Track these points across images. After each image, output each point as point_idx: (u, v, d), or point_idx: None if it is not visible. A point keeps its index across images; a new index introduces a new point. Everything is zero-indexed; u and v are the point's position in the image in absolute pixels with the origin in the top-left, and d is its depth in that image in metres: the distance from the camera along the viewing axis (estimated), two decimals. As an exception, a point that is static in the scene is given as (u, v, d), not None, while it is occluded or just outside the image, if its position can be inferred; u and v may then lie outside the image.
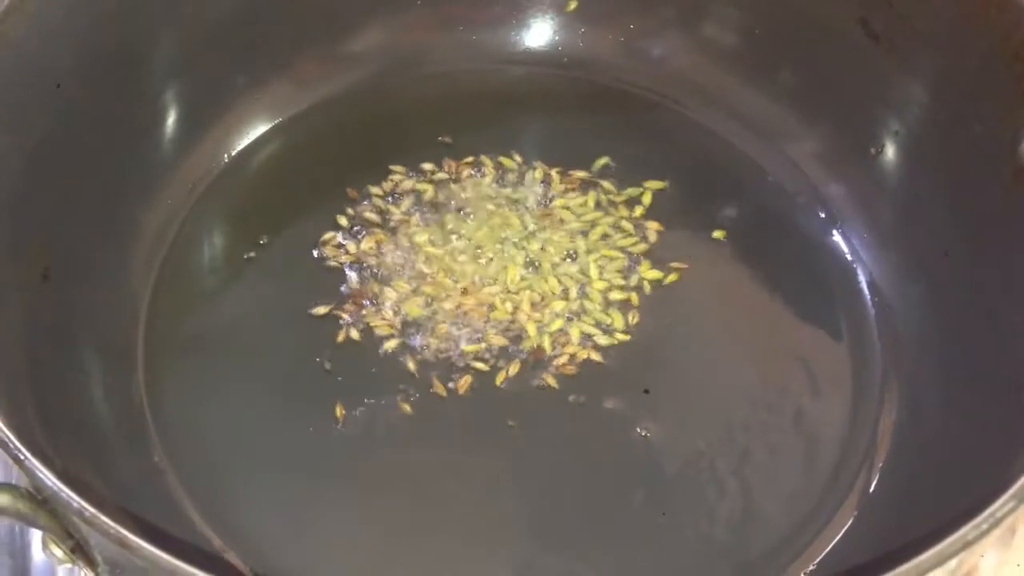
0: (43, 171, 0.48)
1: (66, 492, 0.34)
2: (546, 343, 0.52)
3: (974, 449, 0.45)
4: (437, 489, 0.48)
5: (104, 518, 0.34)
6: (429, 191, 0.57)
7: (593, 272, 0.54)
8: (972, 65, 0.51)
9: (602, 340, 0.52)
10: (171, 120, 0.56)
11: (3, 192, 0.44)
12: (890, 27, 0.54)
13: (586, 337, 0.52)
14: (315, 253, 0.54)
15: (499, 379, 0.51)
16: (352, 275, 0.54)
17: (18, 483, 0.38)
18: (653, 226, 0.56)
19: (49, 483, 0.35)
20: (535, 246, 0.55)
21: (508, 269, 0.54)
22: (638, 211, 0.57)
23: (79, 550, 0.38)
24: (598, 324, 0.53)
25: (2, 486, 0.36)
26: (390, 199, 0.57)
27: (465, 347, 0.52)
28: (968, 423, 0.47)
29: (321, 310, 0.52)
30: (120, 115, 0.53)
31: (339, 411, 0.50)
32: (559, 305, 0.53)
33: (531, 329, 0.52)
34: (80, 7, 0.49)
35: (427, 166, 0.58)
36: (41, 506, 0.36)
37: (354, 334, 0.52)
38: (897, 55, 0.54)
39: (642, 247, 0.56)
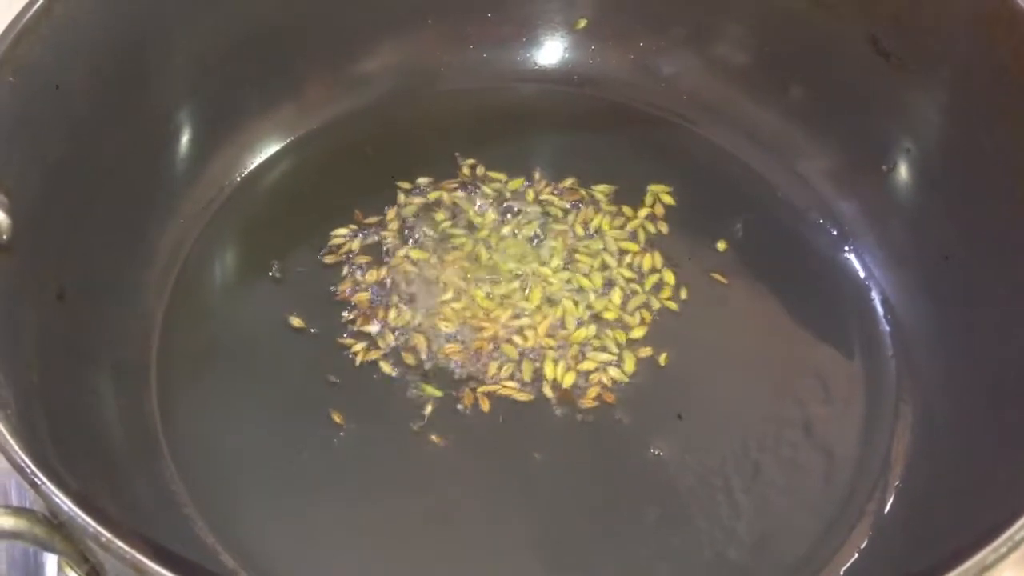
0: (59, 190, 0.48)
1: (82, 517, 0.34)
2: (560, 364, 0.52)
3: (991, 469, 0.45)
4: (451, 510, 0.48)
5: (119, 543, 0.34)
6: (441, 210, 0.57)
7: (612, 295, 0.54)
8: (982, 82, 0.51)
9: (617, 360, 0.52)
10: (184, 140, 0.56)
11: (20, 211, 0.44)
12: (900, 45, 0.54)
13: (602, 356, 0.52)
14: (327, 272, 0.54)
15: (512, 401, 0.51)
16: (364, 295, 0.54)
17: (33, 507, 0.38)
18: (664, 243, 0.56)
19: (65, 508, 0.35)
20: (549, 267, 0.55)
21: (523, 291, 0.54)
22: (649, 229, 0.57)
23: (95, 574, 0.38)
24: (615, 343, 0.53)
25: (19, 511, 0.36)
26: (402, 218, 0.57)
27: (477, 369, 0.51)
28: (984, 442, 0.47)
29: (334, 329, 0.52)
30: (133, 135, 0.53)
31: (352, 431, 0.49)
32: (578, 331, 0.53)
33: (547, 351, 0.52)
34: (94, 29, 0.49)
35: (439, 185, 0.58)
36: (57, 530, 0.36)
37: (366, 354, 0.52)
38: (907, 72, 0.54)
39: (654, 265, 0.55)
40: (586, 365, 0.52)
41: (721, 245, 0.56)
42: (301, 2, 0.57)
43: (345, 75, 0.61)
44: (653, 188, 0.58)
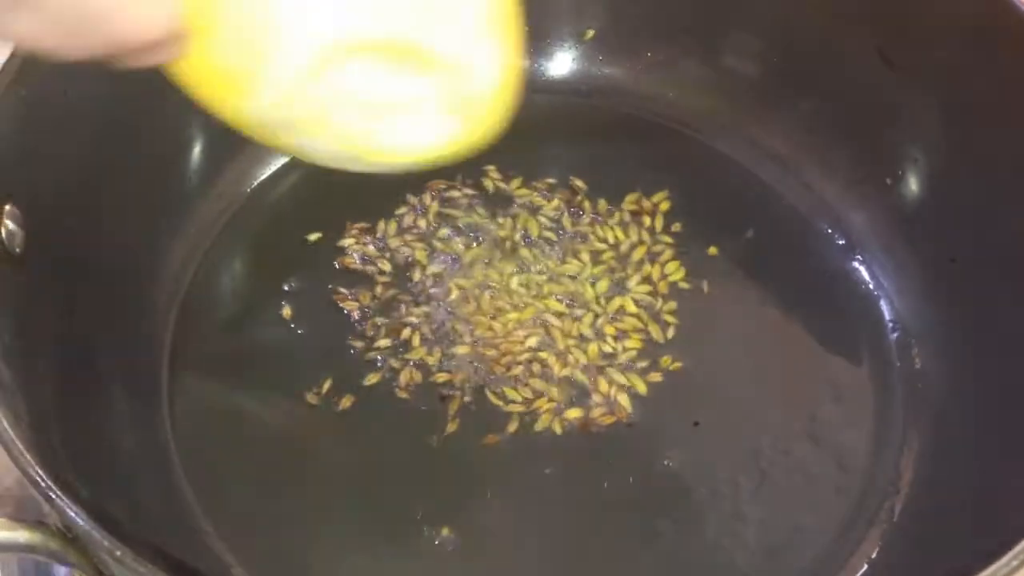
0: (71, 202, 0.48)
1: (97, 530, 0.34)
2: (573, 375, 0.52)
3: (1002, 477, 0.45)
4: (465, 524, 0.48)
5: (133, 556, 0.34)
6: (450, 221, 0.57)
7: (623, 305, 0.54)
8: (989, 92, 0.51)
9: (628, 370, 0.52)
10: (195, 152, 0.56)
11: (33, 224, 0.44)
12: (907, 56, 0.54)
13: (613, 368, 0.52)
14: (338, 283, 0.55)
15: (523, 414, 0.51)
16: (375, 306, 0.54)
17: (47, 520, 0.38)
18: (672, 253, 0.56)
19: (80, 522, 0.35)
20: (560, 277, 0.55)
21: (533, 302, 0.54)
22: (658, 238, 0.57)
23: (107, 587, 0.38)
24: (626, 353, 0.53)
25: (33, 524, 0.36)
26: (413, 229, 0.57)
27: (489, 381, 0.51)
28: (995, 450, 0.47)
29: (345, 341, 0.52)
30: (145, 148, 0.53)
31: (364, 443, 0.50)
32: (589, 342, 0.53)
33: (558, 362, 0.52)
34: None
35: (448, 195, 0.58)
36: (71, 544, 0.37)
37: (378, 366, 0.52)
38: (915, 83, 0.54)
39: (663, 274, 0.56)
40: (598, 376, 0.52)
41: (729, 254, 0.56)
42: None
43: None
44: (661, 197, 0.58)
